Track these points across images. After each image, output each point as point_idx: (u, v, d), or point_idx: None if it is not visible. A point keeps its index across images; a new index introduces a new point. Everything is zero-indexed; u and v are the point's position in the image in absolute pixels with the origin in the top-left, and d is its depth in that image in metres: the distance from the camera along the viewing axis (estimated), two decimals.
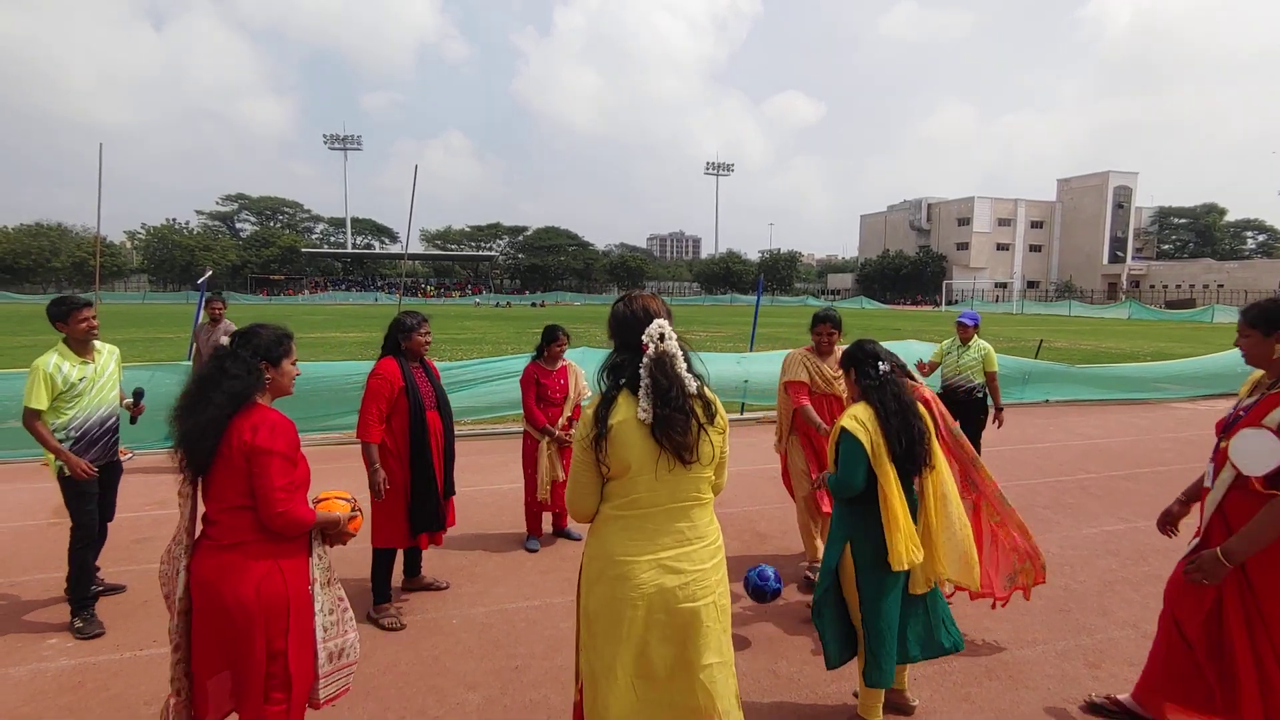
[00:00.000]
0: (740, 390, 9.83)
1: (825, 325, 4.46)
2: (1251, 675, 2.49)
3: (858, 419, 2.75)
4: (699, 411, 2.06)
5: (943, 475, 2.85)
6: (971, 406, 6.11)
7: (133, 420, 4.20)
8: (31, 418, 3.62)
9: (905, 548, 2.65)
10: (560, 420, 4.89)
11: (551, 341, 4.98)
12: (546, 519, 5.12)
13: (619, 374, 2.10)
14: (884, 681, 2.76)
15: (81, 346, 3.80)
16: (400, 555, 4.24)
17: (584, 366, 5.12)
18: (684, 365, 2.06)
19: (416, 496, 3.88)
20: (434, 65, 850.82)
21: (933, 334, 25.86)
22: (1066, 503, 6.12)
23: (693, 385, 2.07)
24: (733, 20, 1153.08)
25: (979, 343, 6.13)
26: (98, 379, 3.84)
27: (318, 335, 24.04)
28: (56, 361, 3.70)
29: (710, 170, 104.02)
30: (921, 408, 2.90)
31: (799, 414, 4.40)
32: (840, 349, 4.30)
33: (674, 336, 2.07)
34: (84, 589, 3.77)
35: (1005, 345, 20.27)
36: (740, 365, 10.00)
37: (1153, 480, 6.82)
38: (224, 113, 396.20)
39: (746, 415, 9.81)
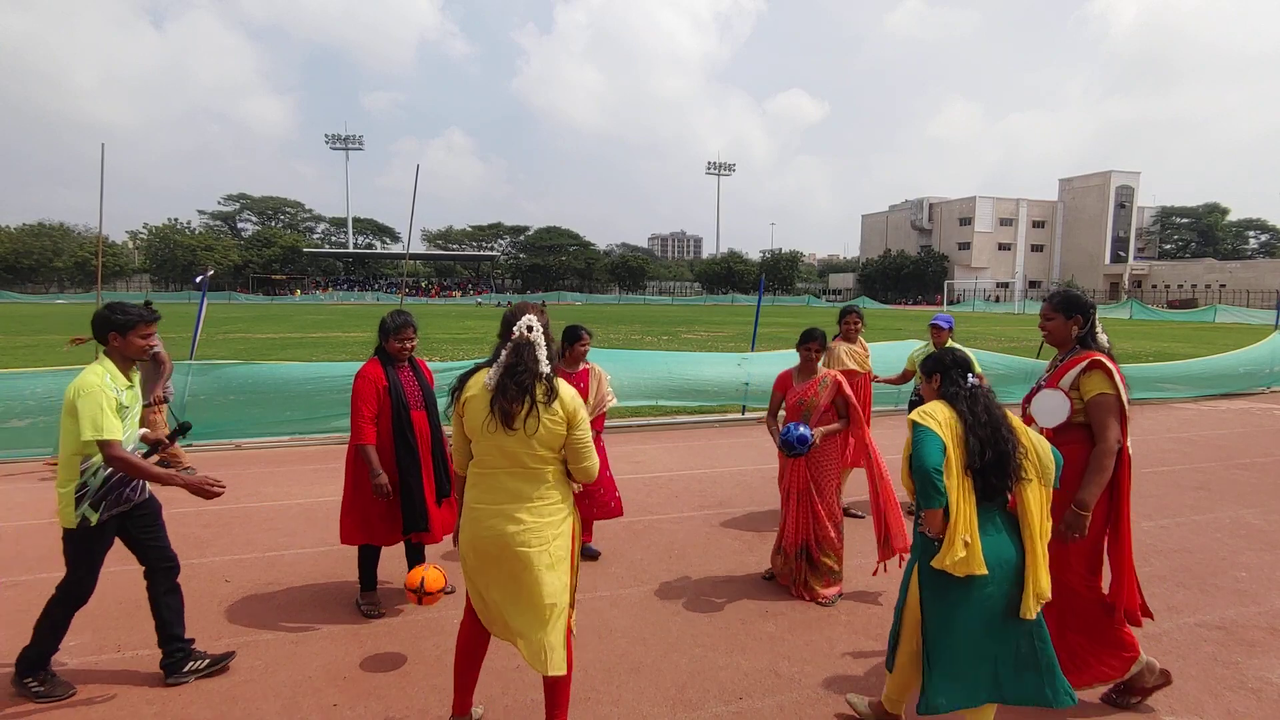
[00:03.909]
0: (741, 393, 9.82)
1: (853, 315, 5.77)
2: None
3: (930, 414, 2.60)
4: (538, 391, 2.47)
5: (1038, 487, 2.60)
6: None
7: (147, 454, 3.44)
8: (114, 449, 2.94)
9: (947, 549, 2.45)
10: None
11: (574, 341, 4.64)
12: None
13: (493, 355, 2.56)
14: (932, 708, 2.52)
15: (128, 365, 3.20)
16: (399, 553, 4.26)
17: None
18: (544, 353, 2.52)
19: (404, 497, 3.86)
20: (435, 63, 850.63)
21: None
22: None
23: (544, 368, 2.50)
24: (736, 18, 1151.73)
25: (955, 348, 5.70)
26: (135, 403, 3.24)
27: (319, 335, 24.06)
28: (109, 381, 3.05)
29: (712, 170, 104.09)
30: (1017, 422, 2.69)
31: None
32: (861, 339, 5.79)
33: (541, 332, 2.54)
34: (52, 647, 3.19)
35: (1007, 345, 20.26)
36: (741, 366, 9.99)
37: (1155, 480, 6.81)
38: (226, 112, 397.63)
39: (748, 416, 9.81)
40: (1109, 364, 2.96)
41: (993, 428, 2.56)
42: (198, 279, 8.55)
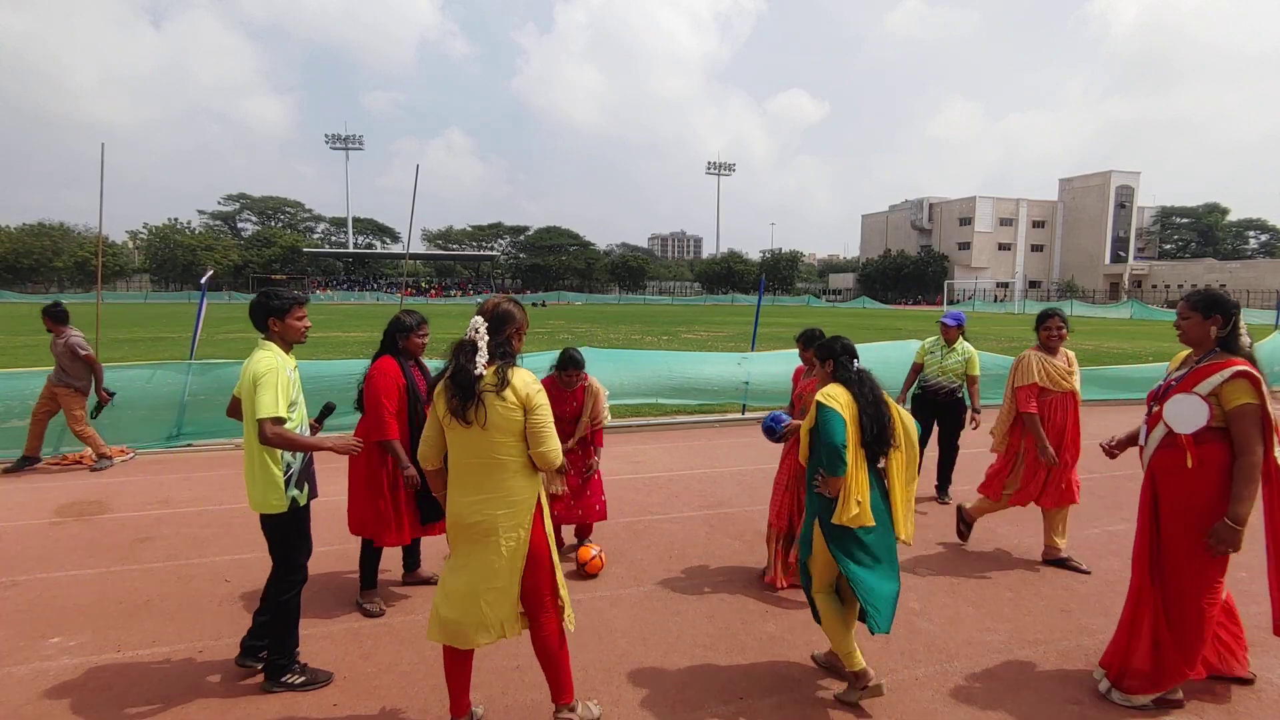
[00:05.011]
0: (741, 392, 9.82)
1: (1055, 319, 4.67)
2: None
3: (833, 396, 3.09)
4: (485, 382, 2.56)
5: (904, 454, 3.19)
6: (951, 408, 6.05)
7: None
8: (275, 426, 2.98)
9: (842, 507, 3.00)
10: (570, 442, 4.56)
11: (560, 369, 4.55)
12: (568, 531, 4.96)
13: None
14: (884, 627, 3.02)
15: (288, 347, 3.25)
16: (399, 549, 4.28)
17: (584, 367, 4.94)
18: (482, 356, 2.57)
19: (422, 491, 3.92)
20: (435, 63, 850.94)
21: (934, 334, 25.65)
22: None
23: (479, 371, 2.56)
24: (736, 18, 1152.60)
25: (964, 345, 5.99)
26: (299, 382, 3.28)
27: (320, 335, 24.06)
28: (280, 362, 3.09)
29: (712, 170, 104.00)
30: (887, 396, 3.26)
31: (1025, 420, 4.62)
32: (1066, 351, 4.76)
33: (484, 332, 2.61)
34: (295, 640, 3.29)
35: (1008, 345, 20.25)
36: (741, 366, 9.99)
37: None
38: (226, 112, 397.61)
39: (748, 415, 9.80)
40: (1255, 373, 2.86)
41: (876, 407, 3.12)
42: (203, 279, 8.51)
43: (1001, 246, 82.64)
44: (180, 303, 53.02)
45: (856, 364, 3.23)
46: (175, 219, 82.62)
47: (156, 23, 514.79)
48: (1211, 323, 3.01)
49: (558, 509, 4.65)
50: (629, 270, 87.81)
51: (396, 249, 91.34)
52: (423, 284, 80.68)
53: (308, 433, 3.32)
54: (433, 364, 4.22)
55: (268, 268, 74.73)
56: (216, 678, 3.29)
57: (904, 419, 3.22)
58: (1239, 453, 2.87)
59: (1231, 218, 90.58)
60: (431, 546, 4.65)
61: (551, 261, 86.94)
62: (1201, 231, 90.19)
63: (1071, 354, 4.80)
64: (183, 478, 6.66)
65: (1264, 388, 2.87)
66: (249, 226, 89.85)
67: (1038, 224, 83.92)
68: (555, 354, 4.71)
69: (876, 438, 3.07)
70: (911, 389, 6.27)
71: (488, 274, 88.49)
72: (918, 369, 6.19)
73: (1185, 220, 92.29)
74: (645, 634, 3.74)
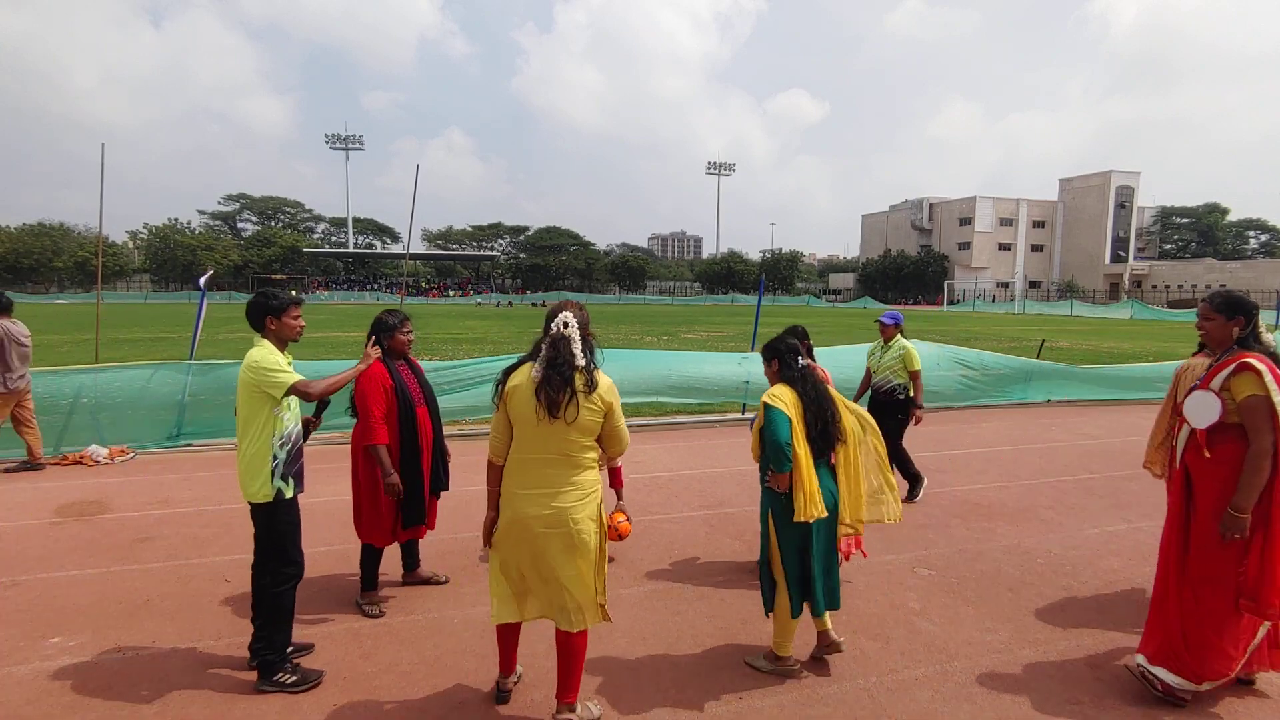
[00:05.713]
0: (741, 391, 9.82)
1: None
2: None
3: (778, 396, 3.24)
4: (578, 381, 2.68)
5: (850, 446, 3.38)
6: (889, 407, 6.07)
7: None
8: (303, 382, 3.13)
9: (806, 504, 3.13)
10: None
11: None
12: None
13: (533, 349, 2.77)
14: (797, 613, 3.29)
15: (283, 346, 3.32)
16: (397, 549, 4.28)
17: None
18: (579, 347, 2.71)
19: (407, 495, 3.92)
20: (435, 63, 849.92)
21: (934, 334, 25.84)
22: (1069, 503, 6.11)
23: (580, 361, 2.69)
24: (736, 18, 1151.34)
25: (899, 342, 6.13)
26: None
27: (320, 335, 24.06)
28: (272, 352, 3.19)
29: (712, 170, 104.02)
30: (835, 393, 3.45)
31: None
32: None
33: (576, 327, 2.75)
34: (288, 636, 3.32)
35: (1008, 345, 20.24)
36: (741, 365, 9.99)
37: (1155, 481, 6.78)
38: (226, 112, 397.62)
39: (748, 415, 9.80)
40: (1260, 365, 2.93)
41: (820, 404, 3.29)
42: (201, 279, 8.53)
43: (1001, 246, 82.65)
44: (180, 303, 53.01)
45: (801, 361, 3.38)
46: (175, 219, 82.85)
47: (156, 23, 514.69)
48: (1234, 324, 3.11)
49: None
50: (629, 270, 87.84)
51: (396, 249, 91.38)
52: (423, 284, 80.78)
53: (300, 430, 3.40)
54: (426, 364, 4.24)
55: (268, 268, 74.73)
56: (217, 678, 3.29)
57: (855, 412, 3.38)
58: (1250, 443, 2.94)
59: (1231, 218, 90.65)
60: (431, 547, 4.66)
61: (551, 261, 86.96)
62: (1201, 231, 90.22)
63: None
64: (183, 478, 6.66)
65: (1269, 379, 2.89)
66: (249, 226, 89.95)
67: (1038, 224, 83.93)
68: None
69: (821, 433, 3.24)
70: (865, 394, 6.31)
71: (488, 274, 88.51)
72: (869, 371, 6.32)
73: (1185, 220, 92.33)
74: (645, 634, 3.74)
